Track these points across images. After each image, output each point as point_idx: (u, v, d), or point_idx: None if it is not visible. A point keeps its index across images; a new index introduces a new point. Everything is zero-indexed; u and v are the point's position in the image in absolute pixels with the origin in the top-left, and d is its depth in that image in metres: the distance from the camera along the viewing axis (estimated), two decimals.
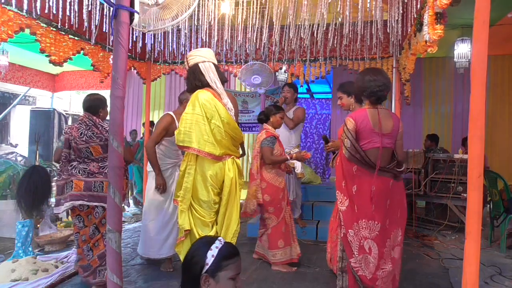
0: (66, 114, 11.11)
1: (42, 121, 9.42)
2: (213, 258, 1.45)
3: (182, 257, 3.05)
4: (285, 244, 3.67)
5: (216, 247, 1.48)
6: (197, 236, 2.86)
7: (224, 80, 3.02)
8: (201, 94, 2.85)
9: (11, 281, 3.06)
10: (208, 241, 1.53)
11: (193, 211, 2.88)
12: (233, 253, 1.52)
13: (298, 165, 4.22)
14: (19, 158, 8.42)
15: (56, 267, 3.42)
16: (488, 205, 5.07)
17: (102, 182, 3.14)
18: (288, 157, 3.75)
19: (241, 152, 3.53)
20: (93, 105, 3.32)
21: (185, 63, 3.03)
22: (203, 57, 2.94)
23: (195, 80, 2.92)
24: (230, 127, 2.87)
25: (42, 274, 3.22)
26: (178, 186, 2.94)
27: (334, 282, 2.98)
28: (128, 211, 6.30)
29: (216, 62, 3.02)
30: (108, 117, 2.33)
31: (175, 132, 2.90)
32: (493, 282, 3.42)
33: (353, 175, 2.59)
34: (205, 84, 2.91)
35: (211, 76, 2.92)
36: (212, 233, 2.89)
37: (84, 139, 3.18)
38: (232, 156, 2.95)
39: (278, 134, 3.88)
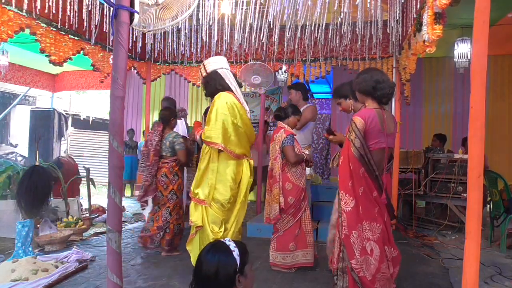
0: (66, 114, 11.12)
1: (42, 121, 9.41)
2: (238, 258, 1.54)
3: (192, 256, 3.10)
4: (296, 247, 3.57)
5: (235, 247, 1.57)
6: (209, 232, 2.96)
7: (240, 85, 3.30)
8: (226, 95, 3.08)
9: (11, 281, 3.06)
10: (221, 246, 1.58)
11: (208, 206, 3.07)
12: (244, 244, 1.63)
13: (308, 168, 4.17)
14: (19, 158, 8.44)
15: (56, 267, 3.42)
16: (488, 205, 5.07)
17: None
18: (305, 156, 3.69)
19: None
20: (165, 115, 4.20)
21: (202, 70, 3.21)
22: (220, 64, 3.19)
23: (216, 84, 3.15)
24: (248, 128, 3.12)
25: (42, 274, 3.21)
26: (196, 183, 3.06)
27: (334, 282, 2.97)
28: (128, 211, 6.29)
29: (229, 69, 3.27)
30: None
31: (205, 128, 3.13)
32: (493, 282, 3.42)
33: (360, 176, 2.57)
34: (226, 88, 3.14)
35: (231, 81, 3.17)
36: (222, 229, 3.00)
37: (152, 142, 4.14)
38: (247, 157, 3.17)
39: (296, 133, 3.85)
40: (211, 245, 1.63)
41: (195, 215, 3.08)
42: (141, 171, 4.59)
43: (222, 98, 3.05)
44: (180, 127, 5.08)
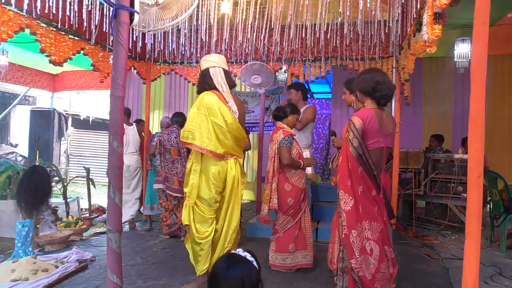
0: (66, 114, 11.11)
1: (42, 121, 9.42)
2: (257, 264, 1.55)
3: (191, 253, 3.11)
4: (296, 249, 3.56)
5: (251, 256, 1.56)
6: (194, 230, 2.96)
7: (232, 85, 3.22)
8: (206, 96, 3.04)
9: (11, 281, 3.06)
10: (239, 259, 1.54)
11: (195, 206, 3.03)
12: (254, 252, 1.62)
13: (309, 168, 4.17)
14: (19, 158, 8.43)
15: (56, 267, 3.42)
16: (488, 205, 5.07)
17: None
18: (302, 164, 3.63)
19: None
20: (179, 121, 4.97)
21: (199, 67, 3.23)
22: (213, 63, 3.16)
23: (204, 83, 3.14)
24: (233, 127, 3.03)
25: (42, 274, 3.21)
26: (186, 183, 3.07)
27: (334, 282, 2.98)
28: None
29: (226, 68, 3.22)
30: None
31: (181, 130, 3.12)
32: (493, 282, 3.42)
33: (359, 175, 2.58)
34: (212, 87, 3.11)
35: (219, 80, 3.12)
36: (210, 229, 2.98)
37: (171, 143, 4.80)
38: (235, 156, 3.08)
39: (295, 133, 3.83)
40: (227, 260, 1.54)
41: (183, 214, 3.09)
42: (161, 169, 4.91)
43: (201, 98, 3.03)
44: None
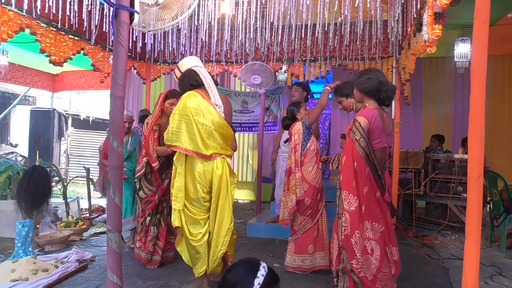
0: (66, 114, 11.12)
1: (42, 121, 9.43)
2: (259, 286, 1.45)
3: (184, 256, 3.09)
4: (315, 250, 3.54)
5: (262, 275, 1.48)
6: (187, 233, 2.93)
7: (215, 84, 3.15)
8: (190, 95, 2.96)
9: (11, 281, 3.06)
10: (252, 267, 1.50)
11: (185, 208, 2.96)
12: (277, 279, 1.52)
13: None
14: (19, 158, 8.44)
15: (56, 267, 3.42)
16: (488, 205, 5.08)
17: None
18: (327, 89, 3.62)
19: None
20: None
21: (177, 71, 3.13)
22: (194, 64, 3.12)
23: (191, 79, 3.05)
24: (220, 125, 2.96)
25: (42, 274, 3.21)
26: (172, 186, 3.01)
27: (334, 284, 2.97)
28: None
29: (204, 68, 3.18)
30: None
31: (164, 133, 3.02)
32: (493, 282, 3.42)
33: (366, 176, 2.58)
34: (200, 84, 3.03)
35: (206, 77, 3.06)
36: (203, 230, 2.94)
37: None
38: (223, 156, 2.99)
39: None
40: (247, 259, 1.54)
41: (172, 217, 3.03)
42: None
43: (184, 98, 2.95)
44: None
